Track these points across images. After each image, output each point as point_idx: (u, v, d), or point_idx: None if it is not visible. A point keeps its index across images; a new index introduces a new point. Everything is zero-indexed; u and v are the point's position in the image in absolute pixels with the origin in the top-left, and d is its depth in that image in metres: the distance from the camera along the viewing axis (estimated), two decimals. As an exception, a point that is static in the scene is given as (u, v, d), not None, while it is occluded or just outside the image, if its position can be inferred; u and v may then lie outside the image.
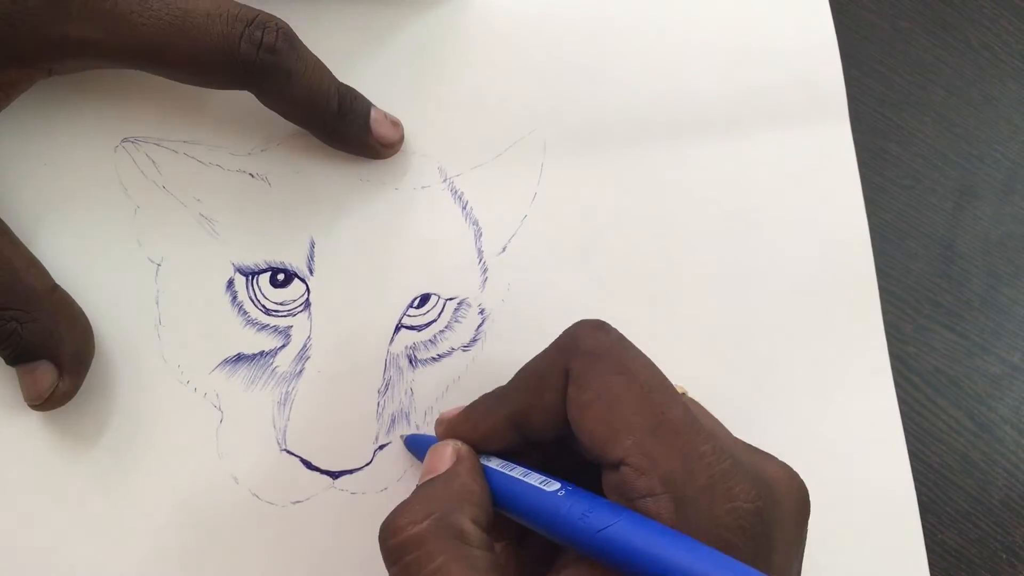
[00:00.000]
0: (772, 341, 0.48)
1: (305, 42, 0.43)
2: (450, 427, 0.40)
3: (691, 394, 0.40)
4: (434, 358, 0.45)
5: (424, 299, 0.46)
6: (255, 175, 0.45)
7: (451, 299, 0.46)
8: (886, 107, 0.55)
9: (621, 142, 0.48)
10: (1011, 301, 0.53)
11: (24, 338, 0.41)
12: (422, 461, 0.40)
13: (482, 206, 0.47)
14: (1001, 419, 0.52)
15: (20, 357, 0.41)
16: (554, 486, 0.35)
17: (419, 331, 0.46)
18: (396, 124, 0.46)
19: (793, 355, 0.48)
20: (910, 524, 0.47)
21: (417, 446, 0.44)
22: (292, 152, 0.46)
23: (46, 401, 0.41)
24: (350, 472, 0.44)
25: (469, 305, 0.46)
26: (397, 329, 0.45)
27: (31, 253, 0.42)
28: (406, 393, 0.45)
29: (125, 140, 0.45)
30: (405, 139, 0.47)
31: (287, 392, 0.44)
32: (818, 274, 0.49)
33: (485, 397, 0.40)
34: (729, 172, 0.49)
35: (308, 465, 0.44)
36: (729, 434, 0.37)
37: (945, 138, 0.55)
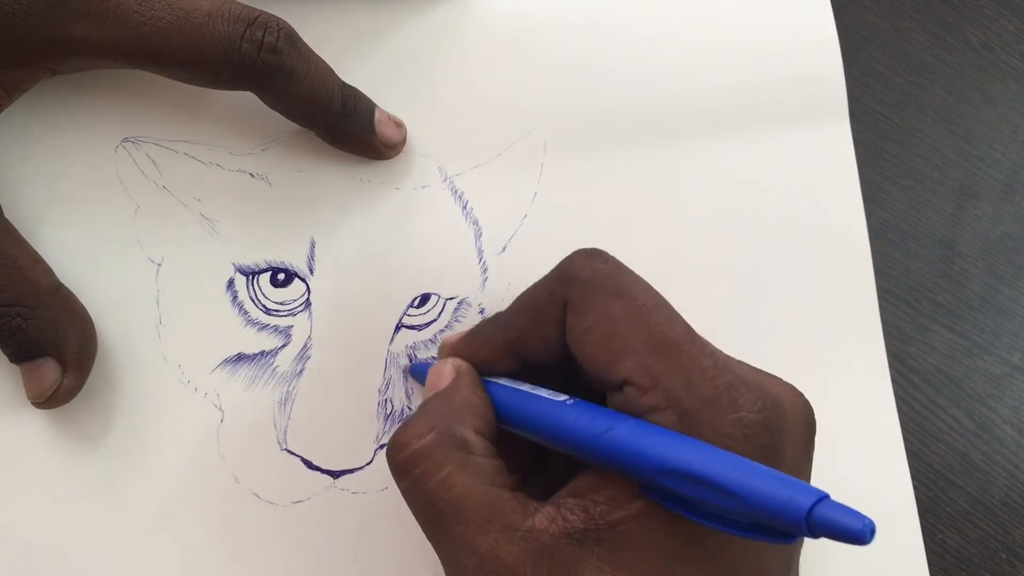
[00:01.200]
0: (770, 340, 0.48)
1: (305, 37, 0.43)
2: (453, 350, 0.41)
3: None
4: (434, 358, 0.45)
5: (424, 299, 0.46)
6: (255, 175, 0.46)
7: (451, 299, 0.46)
8: (886, 107, 0.55)
9: (622, 141, 0.48)
10: (1011, 301, 0.53)
11: (28, 335, 0.41)
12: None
13: (482, 206, 0.47)
14: (1001, 419, 0.52)
15: (24, 354, 0.41)
16: (560, 397, 0.37)
17: (419, 330, 0.46)
18: (400, 125, 0.46)
19: (791, 354, 0.48)
20: (909, 524, 0.47)
21: (421, 373, 0.44)
22: (292, 152, 0.46)
23: (49, 398, 0.41)
24: (351, 471, 0.44)
25: (469, 305, 0.46)
26: (397, 328, 0.45)
27: (35, 251, 0.42)
28: (407, 392, 0.45)
29: (125, 140, 0.45)
30: (406, 139, 0.47)
31: (288, 391, 0.44)
32: (817, 274, 0.49)
33: (485, 323, 0.41)
34: (729, 171, 0.49)
35: (309, 464, 0.44)
36: (730, 357, 0.37)
37: (945, 138, 0.55)
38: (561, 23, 0.49)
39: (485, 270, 0.46)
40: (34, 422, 0.43)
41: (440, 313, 0.46)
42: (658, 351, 0.35)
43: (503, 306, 0.46)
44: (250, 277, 0.45)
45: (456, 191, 0.47)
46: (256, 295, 0.45)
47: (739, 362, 0.37)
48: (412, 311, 0.46)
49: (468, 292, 0.46)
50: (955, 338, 0.52)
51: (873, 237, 0.49)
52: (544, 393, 0.37)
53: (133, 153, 0.45)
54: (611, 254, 0.38)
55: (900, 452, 0.48)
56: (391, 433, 0.44)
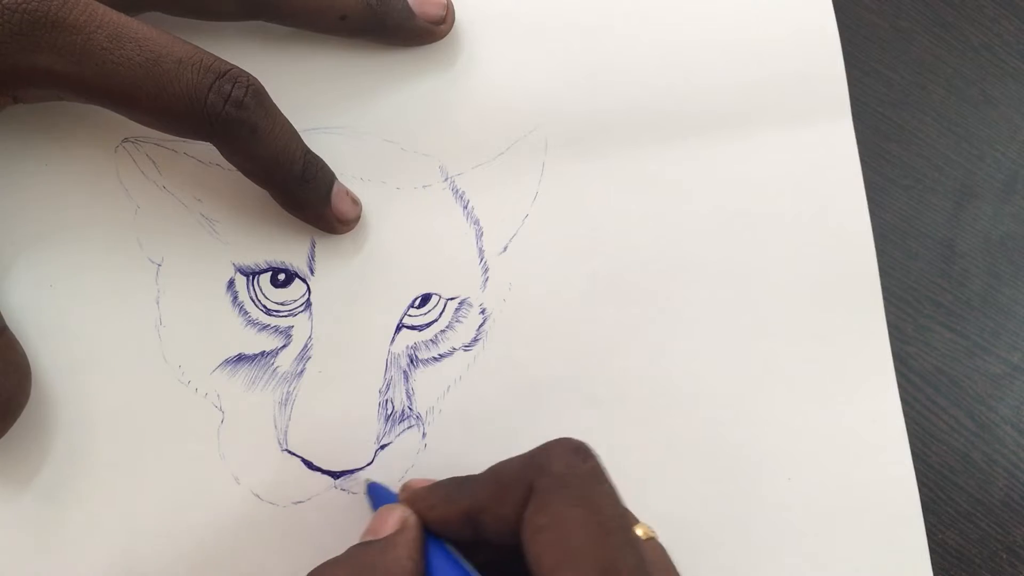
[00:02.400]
0: (774, 341, 0.48)
1: (304, 36, 0.43)
2: (410, 498, 0.39)
3: (656, 525, 0.39)
4: (435, 358, 0.45)
5: (425, 299, 0.46)
6: (256, 175, 0.45)
7: (452, 299, 0.46)
8: (886, 107, 0.55)
9: (623, 141, 0.48)
10: (1011, 301, 0.53)
11: None
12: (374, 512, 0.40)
13: (483, 205, 0.47)
14: (1002, 419, 0.52)
15: None
16: None
17: (420, 331, 0.46)
18: (356, 202, 0.45)
19: (795, 355, 0.48)
20: (913, 525, 0.47)
21: (375, 497, 0.43)
22: (293, 152, 0.46)
23: None
24: (351, 472, 0.44)
25: (470, 305, 0.46)
26: (398, 329, 0.45)
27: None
28: (407, 393, 0.45)
29: (126, 140, 0.45)
30: (407, 138, 0.47)
31: (288, 392, 0.44)
32: (820, 274, 0.49)
33: (452, 482, 0.39)
34: (732, 171, 0.49)
35: (309, 465, 0.44)
36: None
37: (945, 138, 0.55)
38: (563, 22, 0.49)
39: (486, 270, 0.46)
40: (32, 422, 0.43)
41: (441, 313, 0.46)
42: (596, 566, 0.33)
43: (504, 306, 0.46)
44: (250, 277, 0.45)
45: (457, 191, 0.47)
46: (256, 295, 0.45)
47: None
48: (413, 311, 0.46)
49: (469, 292, 0.46)
50: (955, 338, 0.52)
51: (873, 237, 0.49)
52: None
53: (133, 153, 0.45)
54: (594, 452, 0.37)
55: (906, 452, 0.48)
56: (391, 433, 0.45)
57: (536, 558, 0.34)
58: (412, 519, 0.38)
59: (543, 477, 0.35)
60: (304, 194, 0.44)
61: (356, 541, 0.43)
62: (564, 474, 0.35)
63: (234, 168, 0.42)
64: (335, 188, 0.45)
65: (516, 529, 0.36)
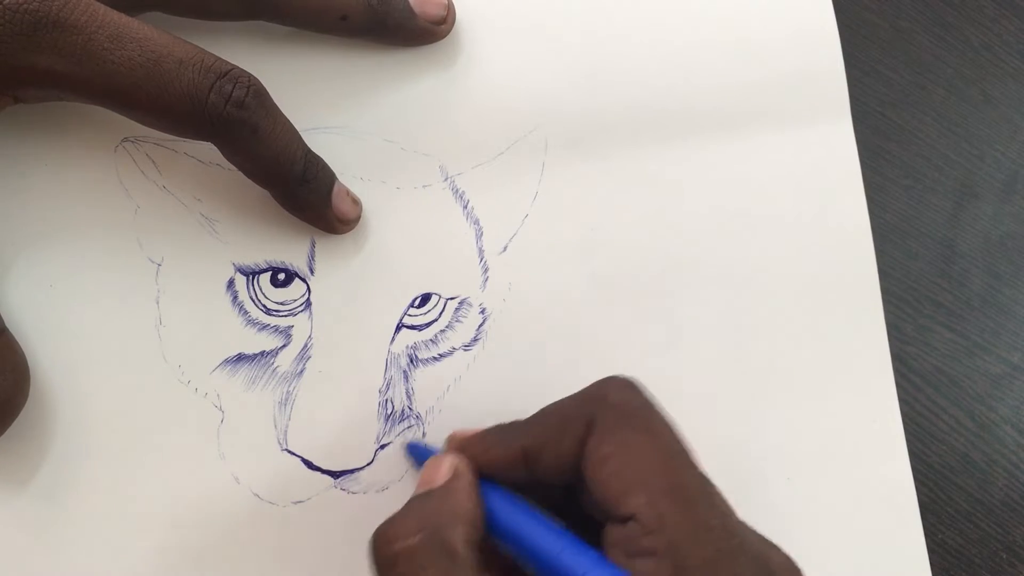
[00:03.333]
0: (773, 340, 0.48)
1: (305, 36, 0.43)
2: (462, 444, 0.40)
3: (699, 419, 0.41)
4: (435, 358, 0.45)
5: (425, 299, 0.46)
6: (256, 175, 0.45)
7: (452, 299, 0.46)
8: (886, 107, 0.55)
9: (623, 141, 0.48)
10: (1011, 301, 0.53)
11: None
12: (419, 470, 0.40)
13: (483, 205, 0.47)
14: (1001, 419, 0.52)
15: None
16: (555, 528, 0.36)
17: (420, 331, 0.46)
18: (356, 202, 0.45)
19: (794, 355, 0.48)
20: (911, 525, 0.47)
21: (418, 455, 0.43)
22: (293, 151, 0.46)
23: None
24: (351, 472, 0.44)
25: (470, 305, 0.46)
26: (398, 329, 0.45)
27: None
28: (407, 393, 0.45)
29: (125, 140, 0.45)
30: (406, 137, 0.47)
31: (288, 392, 0.44)
32: (820, 274, 0.49)
33: (502, 426, 0.40)
34: (731, 171, 0.49)
35: (309, 465, 0.44)
36: (737, 516, 0.37)
37: (945, 138, 0.55)
38: (563, 22, 0.49)
39: (486, 270, 0.46)
40: (32, 422, 0.43)
41: (441, 313, 0.46)
42: (671, 497, 0.34)
43: (504, 306, 0.46)
44: (250, 277, 0.45)
45: (457, 190, 0.47)
46: (256, 295, 0.45)
47: (745, 527, 0.36)
48: (413, 311, 0.46)
49: (469, 292, 0.46)
50: (955, 338, 0.52)
51: (873, 237, 0.49)
52: (540, 517, 0.36)
53: (133, 153, 0.45)
54: (645, 387, 0.38)
55: (903, 452, 0.48)
56: (391, 433, 0.44)
57: (604, 485, 0.35)
58: (463, 464, 0.38)
59: (604, 409, 0.37)
60: (304, 194, 0.44)
61: (356, 541, 0.43)
62: (621, 404, 0.37)
63: (235, 168, 0.42)
64: (336, 188, 0.44)
65: (574, 464, 0.37)
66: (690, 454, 0.36)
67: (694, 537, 0.33)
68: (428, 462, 0.39)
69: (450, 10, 0.47)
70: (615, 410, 0.36)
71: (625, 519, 0.34)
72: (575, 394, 0.38)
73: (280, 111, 0.42)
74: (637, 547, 0.34)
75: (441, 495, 0.37)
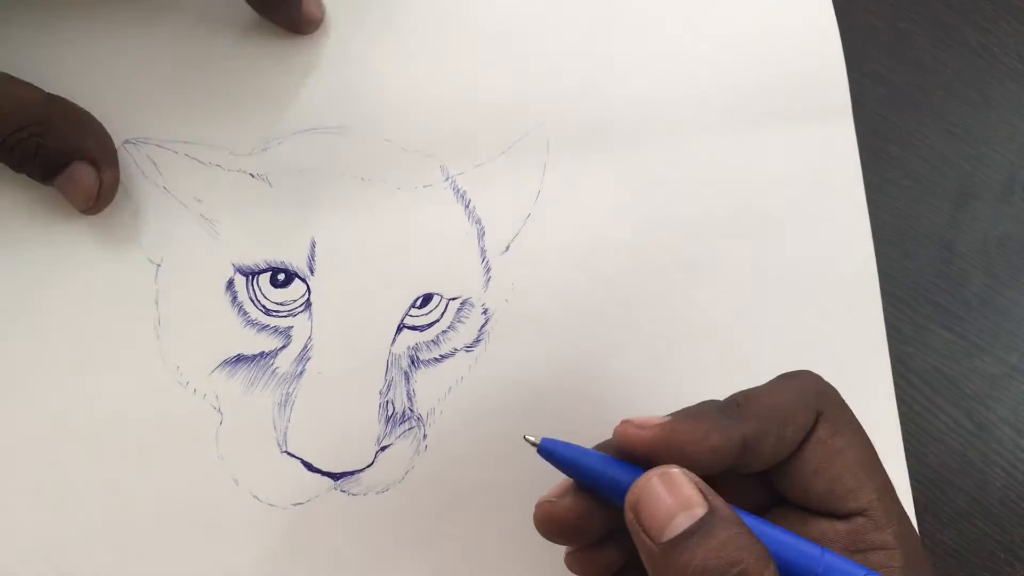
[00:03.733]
0: (774, 341, 0.48)
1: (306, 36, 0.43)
2: (665, 434, 0.34)
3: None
4: (436, 359, 0.45)
5: (426, 299, 0.46)
6: (255, 175, 0.45)
7: (454, 299, 0.46)
8: (885, 108, 0.55)
9: (624, 141, 0.48)
10: (1010, 302, 0.53)
11: (51, 148, 0.41)
12: (573, 474, 0.35)
13: (485, 205, 0.47)
14: (999, 419, 0.52)
15: (52, 169, 0.42)
16: (806, 540, 0.34)
17: (421, 331, 0.45)
18: (320, 4, 0.47)
19: (795, 356, 0.48)
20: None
21: (563, 458, 0.35)
22: (293, 152, 0.46)
23: (97, 198, 0.42)
24: (351, 474, 0.44)
25: (472, 305, 0.46)
26: (399, 329, 0.45)
27: (9, 75, 0.42)
28: (408, 394, 0.45)
29: (126, 142, 0.45)
30: (407, 137, 0.47)
31: (288, 393, 0.44)
32: (821, 274, 0.49)
33: (710, 410, 0.35)
34: (732, 172, 0.49)
35: (309, 467, 0.44)
36: None
37: (944, 139, 0.55)
38: (564, 22, 0.49)
39: (488, 270, 0.46)
40: (31, 422, 0.43)
41: (443, 314, 0.46)
42: (890, 494, 0.36)
43: (506, 306, 0.46)
44: (250, 277, 0.45)
45: (458, 190, 0.47)
46: (256, 295, 0.44)
47: None
48: (414, 312, 0.45)
49: (471, 292, 0.46)
50: (953, 338, 0.53)
51: (872, 237, 0.49)
52: (787, 533, 0.34)
53: (134, 154, 0.45)
54: None
55: (900, 457, 0.48)
56: (392, 435, 0.44)
57: (834, 479, 0.35)
58: (704, 486, 0.32)
59: (829, 402, 0.36)
60: None
61: (356, 543, 0.43)
62: (842, 403, 0.37)
63: (234, 169, 0.42)
64: None
65: (787, 454, 0.36)
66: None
67: (911, 532, 0.35)
68: (651, 480, 0.32)
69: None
70: (841, 406, 0.37)
71: (851, 514, 0.35)
72: (784, 384, 0.37)
73: None
74: (868, 542, 0.35)
75: (721, 542, 0.31)
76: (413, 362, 0.45)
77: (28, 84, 0.42)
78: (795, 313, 0.48)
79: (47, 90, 0.42)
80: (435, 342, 0.45)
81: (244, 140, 0.46)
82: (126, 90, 0.45)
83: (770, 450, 0.35)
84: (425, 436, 0.45)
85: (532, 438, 0.34)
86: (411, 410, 0.45)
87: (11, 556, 0.42)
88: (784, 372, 0.38)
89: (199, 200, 0.45)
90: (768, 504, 0.38)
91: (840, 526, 0.35)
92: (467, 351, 0.46)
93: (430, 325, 0.46)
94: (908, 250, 0.53)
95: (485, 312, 0.46)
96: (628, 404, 0.46)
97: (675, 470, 0.32)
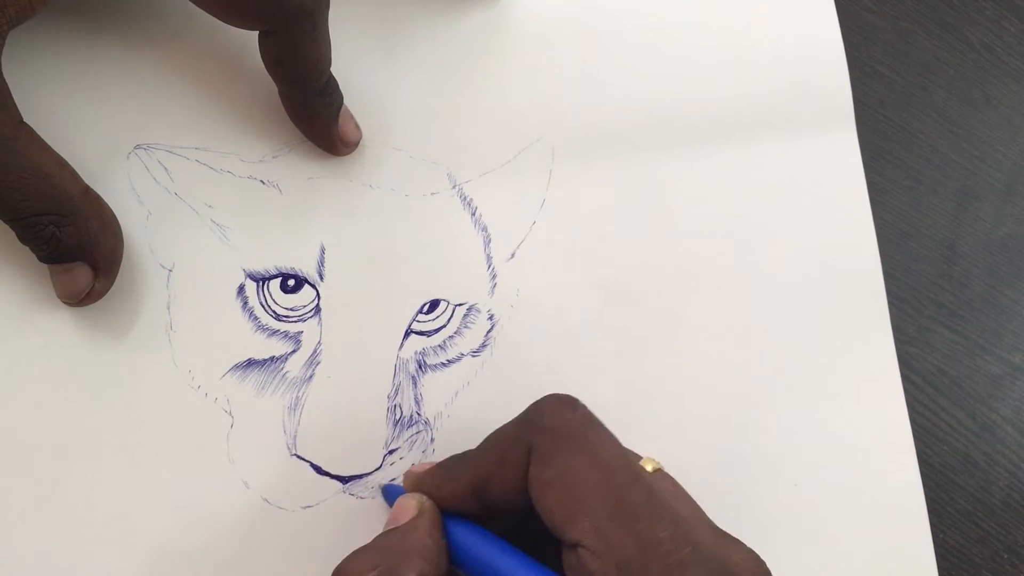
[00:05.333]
0: (780, 346, 0.48)
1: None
2: (416, 482, 0.40)
3: (668, 463, 0.39)
4: (443, 363, 0.46)
5: (433, 305, 0.46)
6: (266, 182, 0.46)
7: (460, 305, 0.46)
8: (887, 108, 0.55)
9: (629, 148, 0.49)
10: (1012, 302, 0.53)
11: (63, 241, 0.41)
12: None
13: (491, 212, 0.47)
14: (1003, 419, 0.52)
15: (57, 259, 0.42)
16: (517, 555, 0.36)
17: (428, 336, 0.46)
18: (358, 128, 0.46)
19: (801, 360, 0.48)
20: (919, 528, 0.48)
21: (391, 496, 0.43)
22: (303, 159, 0.46)
23: (81, 301, 0.42)
24: (360, 477, 0.44)
25: (478, 311, 0.46)
26: (407, 335, 0.46)
27: (60, 156, 0.42)
28: (415, 398, 0.45)
29: (138, 147, 0.45)
30: (414, 145, 0.47)
31: (297, 397, 0.44)
32: (826, 279, 0.49)
33: (453, 460, 0.40)
34: (737, 178, 0.49)
35: (318, 470, 0.44)
36: (700, 517, 0.37)
37: (946, 139, 0.55)
38: (569, 31, 0.49)
39: (494, 276, 0.47)
40: (41, 425, 0.43)
41: (449, 319, 0.46)
42: (616, 516, 0.34)
43: (512, 312, 0.46)
44: (260, 283, 0.45)
45: (465, 198, 0.47)
46: (266, 301, 0.45)
47: (705, 525, 0.36)
48: (421, 317, 0.46)
49: (477, 298, 0.46)
50: (956, 339, 0.53)
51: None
52: (503, 546, 0.37)
53: (145, 159, 0.45)
54: (582, 403, 0.38)
55: (911, 457, 0.48)
56: (400, 438, 0.45)
57: (548, 512, 0.35)
58: (427, 503, 0.39)
59: (540, 434, 0.36)
60: (320, 107, 0.44)
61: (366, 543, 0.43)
62: (559, 426, 0.36)
63: (245, 175, 0.42)
64: (343, 109, 0.46)
65: (522, 491, 0.36)
66: (632, 468, 0.36)
67: (643, 555, 0.33)
68: (398, 501, 0.39)
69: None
70: (552, 433, 0.36)
71: (574, 545, 0.34)
72: (514, 420, 0.38)
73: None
74: (587, 572, 0.34)
75: (402, 533, 0.37)
76: (420, 367, 0.45)
77: (72, 172, 0.42)
78: (802, 319, 0.49)
79: (58, 94, 0.42)
80: (442, 347, 0.46)
81: (255, 147, 0.46)
82: (139, 95, 0.45)
83: (500, 492, 0.37)
84: (432, 439, 0.45)
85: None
86: (418, 414, 0.45)
87: (16, 557, 0.42)
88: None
89: (210, 206, 0.45)
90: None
91: (569, 556, 0.35)
92: (473, 356, 0.46)
93: (437, 330, 0.46)
94: (910, 250, 0.53)
95: (491, 318, 0.46)
96: (632, 408, 0.47)
97: (412, 497, 0.39)
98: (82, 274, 0.42)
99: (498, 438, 0.38)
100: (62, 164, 0.42)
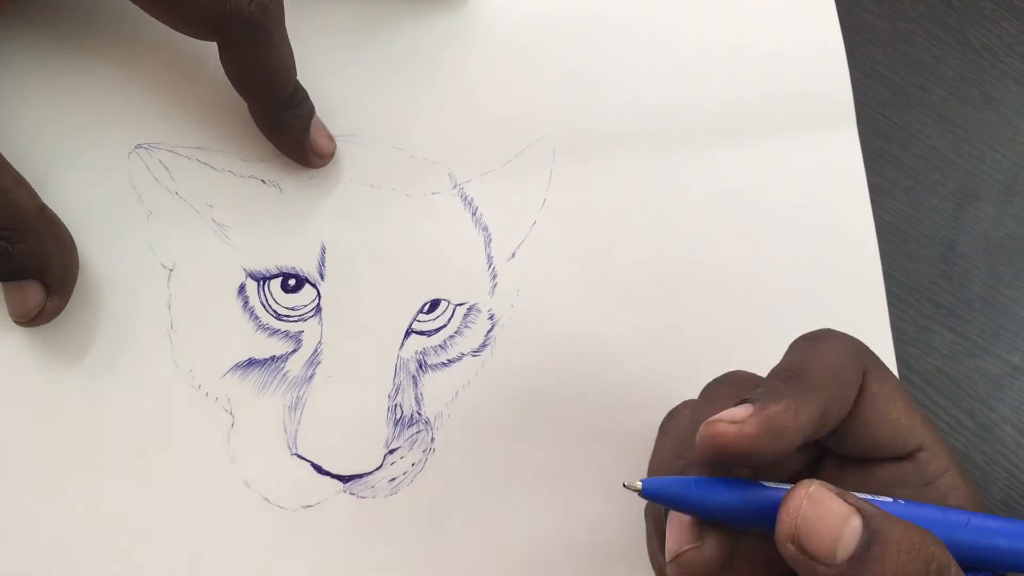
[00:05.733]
0: (780, 345, 0.48)
1: (314, 45, 0.43)
2: (767, 423, 0.32)
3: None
4: (444, 363, 0.46)
5: (434, 304, 0.46)
6: (267, 181, 0.46)
7: (461, 304, 0.46)
8: (887, 108, 0.55)
9: (630, 148, 0.49)
10: (1012, 302, 0.53)
11: (14, 258, 0.41)
12: (693, 511, 0.33)
13: (492, 212, 0.47)
14: (1002, 419, 0.52)
15: (8, 276, 0.42)
16: (943, 508, 0.35)
17: (429, 336, 0.46)
18: (331, 139, 0.46)
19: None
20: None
21: (682, 495, 0.32)
22: (303, 159, 0.46)
23: (32, 320, 0.42)
24: (360, 476, 0.44)
25: (479, 310, 0.46)
26: (407, 334, 0.46)
27: (18, 173, 0.42)
28: (416, 398, 0.45)
29: (139, 146, 0.45)
30: (415, 144, 0.47)
31: (298, 397, 0.44)
32: (826, 278, 0.49)
33: (775, 389, 0.34)
34: (737, 178, 0.49)
35: (319, 469, 0.44)
36: None
37: (946, 139, 0.55)
38: (571, 31, 0.49)
39: (495, 276, 0.47)
40: (43, 425, 0.43)
41: (450, 319, 0.46)
42: (930, 426, 0.37)
43: (513, 311, 0.46)
44: (261, 282, 0.45)
45: (466, 197, 0.47)
46: (267, 300, 0.45)
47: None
48: (422, 317, 0.46)
49: (478, 298, 0.46)
50: (956, 339, 0.53)
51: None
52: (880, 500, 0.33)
53: (146, 159, 0.45)
54: None
55: None
56: (400, 438, 0.45)
57: (894, 423, 0.36)
58: (835, 489, 0.31)
59: (870, 357, 0.37)
60: (288, 119, 0.44)
61: (365, 546, 0.43)
62: (873, 352, 0.38)
63: (246, 175, 0.42)
64: (314, 121, 0.45)
65: (844, 414, 0.36)
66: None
67: (947, 447, 0.37)
68: (800, 510, 0.31)
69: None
70: (875, 356, 0.37)
71: (913, 451, 0.36)
72: (824, 347, 0.36)
73: (286, 32, 0.43)
74: (931, 472, 0.36)
75: (900, 537, 0.30)
76: (421, 366, 0.46)
77: (29, 190, 0.42)
78: (802, 318, 0.48)
79: (59, 94, 0.42)
80: (442, 347, 0.46)
81: (256, 146, 0.46)
82: (140, 95, 0.45)
83: (836, 414, 0.35)
84: (433, 439, 0.45)
85: (635, 485, 0.32)
86: (419, 413, 0.45)
87: (17, 557, 0.43)
88: (803, 335, 0.38)
89: (211, 205, 0.45)
90: (812, 464, 0.38)
91: (907, 465, 0.36)
92: (474, 356, 0.46)
93: (438, 330, 0.46)
94: (910, 250, 0.53)
95: (491, 318, 0.46)
96: (633, 409, 0.47)
97: (814, 485, 0.31)
98: (33, 292, 0.42)
99: (823, 364, 0.35)
100: (19, 181, 0.42)
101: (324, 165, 0.46)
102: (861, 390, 0.36)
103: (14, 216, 0.41)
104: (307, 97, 0.45)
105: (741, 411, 0.33)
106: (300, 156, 0.46)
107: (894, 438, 0.36)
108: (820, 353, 0.36)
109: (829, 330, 0.38)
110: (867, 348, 0.37)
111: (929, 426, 0.37)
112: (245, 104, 0.44)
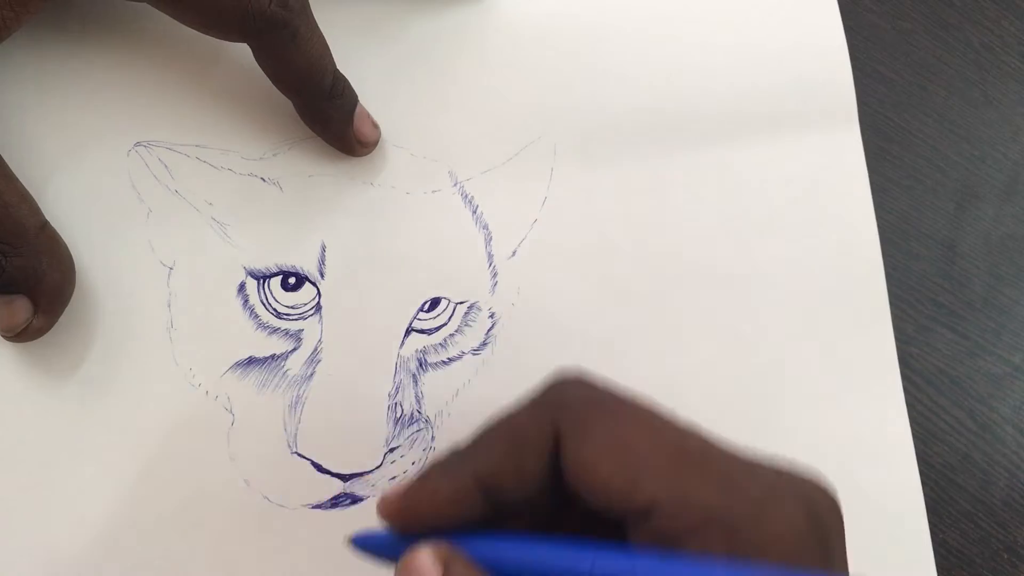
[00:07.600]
0: (781, 345, 0.48)
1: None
2: (404, 499, 0.33)
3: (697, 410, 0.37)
4: (444, 362, 0.46)
5: (434, 303, 0.46)
6: (267, 179, 0.46)
7: (461, 303, 0.46)
8: (888, 108, 0.55)
9: (632, 147, 0.49)
10: (1012, 302, 0.53)
11: (7, 272, 0.41)
12: (388, 562, 0.34)
13: (492, 210, 0.47)
14: (1003, 419, 0.52)
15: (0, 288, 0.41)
16: (568, 544, 0.31)
17: (429, 335, 0.46)
18: (376, 127, 0.46)
19: (802, 359, 0.48)
20: (918, 528, 0.48)
21: (376, 548, 0.35)
22: (304, 157, 0.46)
23: (18, 335, 0.42)
24: (360, 475, 0.44)
25: (479, 309, 0.46)
26: (407, 333, 0.46)
27: (23, 188, 0.42)
28: (416, 397, 0.45)
29: (138, 144, 0.45)
30: (415, 142, 0.47)
31: (298, 395, 0.44)
32: (827, 278, 0.49)
33: (441, 462, 0.34)
34: (740, 176, 0.49)
35: (319, 468, 0.44)
36: (747, 451, 0.34)
37: (947, 139, 0.55)
38: (572, 28, 0.49)
39: (495, 274, 0.47)
40: (44, 424, 0.43)
41: (450, 317, 0.46)
42: (682, 466, 0.31)
43: (513, 310, 0.46)
44: (261, 281, 0.45)
45: (466, 195, 0.47)
46: (267, 299, 0.45)
47: (756, 459, 0.34)
48: (422, 315, 0.46)
49: (478, 296, 0.46)
50: (957, 338, 0.53)
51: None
52: (544, 544, 0.31)
53: (145, 157, 0.45)
54: (595, 374, 0.34)
55: (911, 456, 0.48)
56: (400, 437, 0.45)
57: (605, 488, 0.31)
58: (445, 548, 0.32)
59: (566, 412, 0.33)
60: (330, 110, 0.44)
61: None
62: (589, 399, 0.33)
63: (246, 173, 0.42)
64: (358, 109, 0.45)
65: (540, 481, 0.33)
66: (675, 417, 0.33)
67: (725, 495, 0.31)
68: (405, 563, 0.32)
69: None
70: (583, 406, 0.33)
71: (647, 510, 0.31)
72: (525, 405, 0.34)
73: (316, 23, 0.43)
74: (675, 532, 0.30)
75: None
76: (421, 365, 0.45)
77: (33, 206, 0.42)
78: (803, 317, 0.48)
79: (59, 92, 0.42)
80: (443, 345, 0.46)
81: (255, 144, 0.46)
82: (140, 93, 0.45)
83: (516, 483, 0.33)
84: (433, 438, 0.45)
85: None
86: (419, 412, 0.45)
87: (17, 557, 0.43)
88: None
89: (210, 203, 0.45)
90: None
91: (644, 528, 0.31)
92: (474, 354, 0.46)
93: (438, 328, 0.46)
94: (910, 250, 0.53)
95: (492, 316, 0.46)
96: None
97: (422, 551, 0.32)
98: (21, 307, 0.42)
99: (507, 424, 0.34)
100: (24, 197, 0.42)
101: (368, 153, 0.47)
102: (560, 449, 0.32)
103: (13, 231, 0.41)
104: (348, 86, 0.45)
105: (400, 488, 0.33)
106: (345, 146, 0.46)
107: (610, 500, 0.31)
108: (505, 416, 0.34)
109: (555, 381, 0.35)
110: (564, 402, 0.33)
111: (679, 476, 0.31)
112: (245, 102, 0.44)
